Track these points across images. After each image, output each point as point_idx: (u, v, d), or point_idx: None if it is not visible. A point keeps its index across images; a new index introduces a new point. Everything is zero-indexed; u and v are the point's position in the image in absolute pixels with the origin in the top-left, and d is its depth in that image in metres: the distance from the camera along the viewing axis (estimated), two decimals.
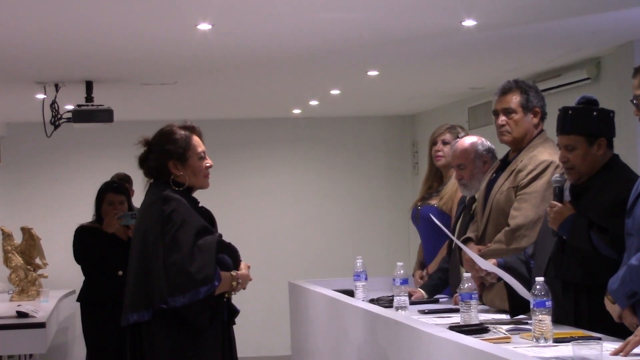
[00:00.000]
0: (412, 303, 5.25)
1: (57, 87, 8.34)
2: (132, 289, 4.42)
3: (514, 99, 4.98)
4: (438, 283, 5.71)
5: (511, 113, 4.98)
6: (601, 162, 4.26)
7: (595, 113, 4.26)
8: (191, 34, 6.45)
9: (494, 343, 3.65)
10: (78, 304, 7.13)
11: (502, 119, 5.00)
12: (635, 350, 3.33)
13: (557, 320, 3.99)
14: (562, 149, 4.31)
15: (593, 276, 4.13)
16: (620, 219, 3.97)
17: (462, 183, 5.48)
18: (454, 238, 4.97)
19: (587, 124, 4.25)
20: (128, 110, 10.12)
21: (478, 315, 4.29)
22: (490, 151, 5.52)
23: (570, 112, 4.28)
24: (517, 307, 4.43)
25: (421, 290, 5.71)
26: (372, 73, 8.49)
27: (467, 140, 5.54)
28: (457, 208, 5.74)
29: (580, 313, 4.18)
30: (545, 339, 3.67)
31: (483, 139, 5.56)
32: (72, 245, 6.98)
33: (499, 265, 4.58)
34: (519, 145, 5.02)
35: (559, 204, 4.28)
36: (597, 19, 6.54)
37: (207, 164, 4.56)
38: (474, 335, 3.82)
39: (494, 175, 5.12)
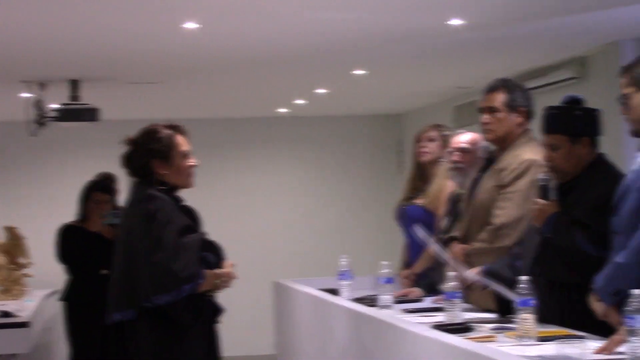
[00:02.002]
0: (409, 301, 5.27)
1: (42, 85, 8.32)
2: (117, 288, 4.41)
3: (499, 98, 4.99)
4: (433, 281, 5.70)
5: (495, 112, 4.99)
6: (585, 161, 4.27)
7: (578, 112, 4.28)
8: (178, 33, 6.44)
9: (478, 342, 3.65)
10: (61, 303, 7.10)
11: (486, 117, 5.01)
12: (619, 349, 3.33)
13: (542, 319, 3.99)
14: (546, 148, 4.32)
15: (576, 274, 4.13)
16: (604, 216, 3.98)
17: (459, 166, 5.44)
18: (441, 250, 4.96)
19: (570, 123, 4.27)
20: (114, 110, 10.08)
21: (462, 314, 4.29)
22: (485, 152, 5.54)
23: (553, 111, 4.31)
24: (507, 307, 4.43)
25: (418, 289, 5.70)
26: (359, 72, 8.49)
27: (475, 133, 5.54)
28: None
29: (565, 311, 4.18)
30: (529, 338, 3.66)
31: None
32: (55, 244, 6.97)
33: (484, 272, 4.59)
34: (502, 144, 5.03)
35: (543, 202, 4.29)
36: (583, 18, 6.55)
37: (192, 163, 4.55)
38: (458, 334, 3.82)
39: (479, 174, 5.12)
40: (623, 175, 4.18)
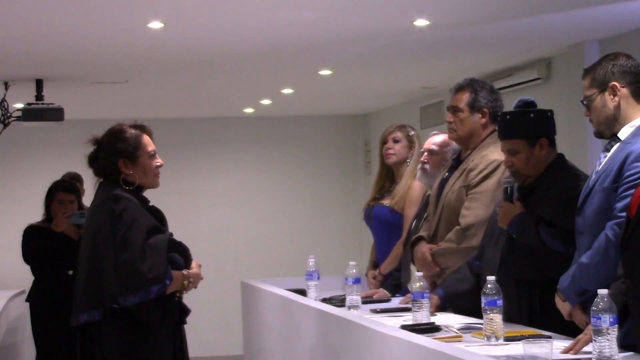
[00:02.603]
0: (373, 301, 5.29)
1: (6, 85, 8.26)
2: (82, 289, 4.37)
3: (463, 98, 5.02)
4: (399, 282, 5.71)
5: (458, 111, 5.02)
6: (546, 162, 4.33)
7: (532, 115, 4.34)
8: (143, 32, 6.41)
9: (446, 342, 3.66)
10: (27, 304, 7.06)
11: (449, 116, 5.05)
12: (585, 349, 3.35)
13: (508, 319, 4.02)
14: (505, 153, 4.37)
15: (544, 272, 4.17)
16: (568, 213, 4.04)
17: (424, 168, 5.47)
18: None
19: (525, 126, 4.33)
20: (79, 109, 10.05)
21: (429, 314, 4.30)
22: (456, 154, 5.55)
23: (508, 117, 4.38)
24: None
25: (383, 290, 5.71)
26: (325, 72, 8.50)
27: (446, 136, 5.56)
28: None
29: (533, 311, 4.21)
30: (497, 338, 3.68)
31: None
32: (20, 245, 6.92)
33: (442, 299, 4.69)
34: (466, 144, 5.06)
35: (508, 203, 4.33)
36: (548, 19, 6.59)
37: (158, 163, 4.54)
38: (426, 334, 3.84)
39: (447, 174, 5.14)
40: (582, 173, 4.28)
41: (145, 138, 4.51)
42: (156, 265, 4.27)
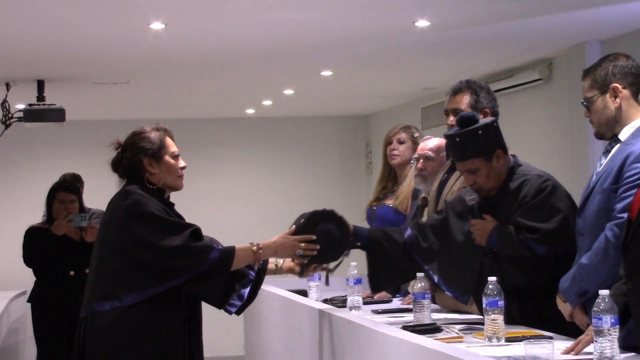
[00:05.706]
0: (374, 302, 5.28)
1: (7, 86, 8.27)
2: (92, 281, 4.33)
3: (464, 100, 4.99)
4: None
5: (460, 113, 5.00)
6: (505, 170, 4.35)
7: (480, 132, 4.31)
8: (144, 33, 6.42)
9: (447, 342, 3.67)
10: (29, 305, 7.06)
11: (452, 119, 5.03)
12: (587, 349, 3.36)
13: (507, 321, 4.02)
14: (464, 173, 4.36)
15: (536, 278, 4.17)
16: (546, 216, 4.13)
17: (423, 174, 5.44)
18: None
19: (477, 144, 4.30)
20: (80, 110, 10.05)
21: (431, 315, 4.31)
22: None
23: (457, 139, 4.33)
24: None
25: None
26: (326, 73, 8.50)
27: (441, 139, 5.55)
28: (410, 204, 5.74)
29: (528, 317, 4.21)
30: (498, 339, 3.69)
31: None
32: (22, 246, 6.92)
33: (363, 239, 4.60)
34: None
35: (480, 220, 4.32)
36: (549, 20, 6.60)
37: (182, 165, 4.57)
38: (427, 335, 3.84)
39: (446, 176, 5.14)
40: (540, 170, 4.33)
41: (168, 139, 4.54)
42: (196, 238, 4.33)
